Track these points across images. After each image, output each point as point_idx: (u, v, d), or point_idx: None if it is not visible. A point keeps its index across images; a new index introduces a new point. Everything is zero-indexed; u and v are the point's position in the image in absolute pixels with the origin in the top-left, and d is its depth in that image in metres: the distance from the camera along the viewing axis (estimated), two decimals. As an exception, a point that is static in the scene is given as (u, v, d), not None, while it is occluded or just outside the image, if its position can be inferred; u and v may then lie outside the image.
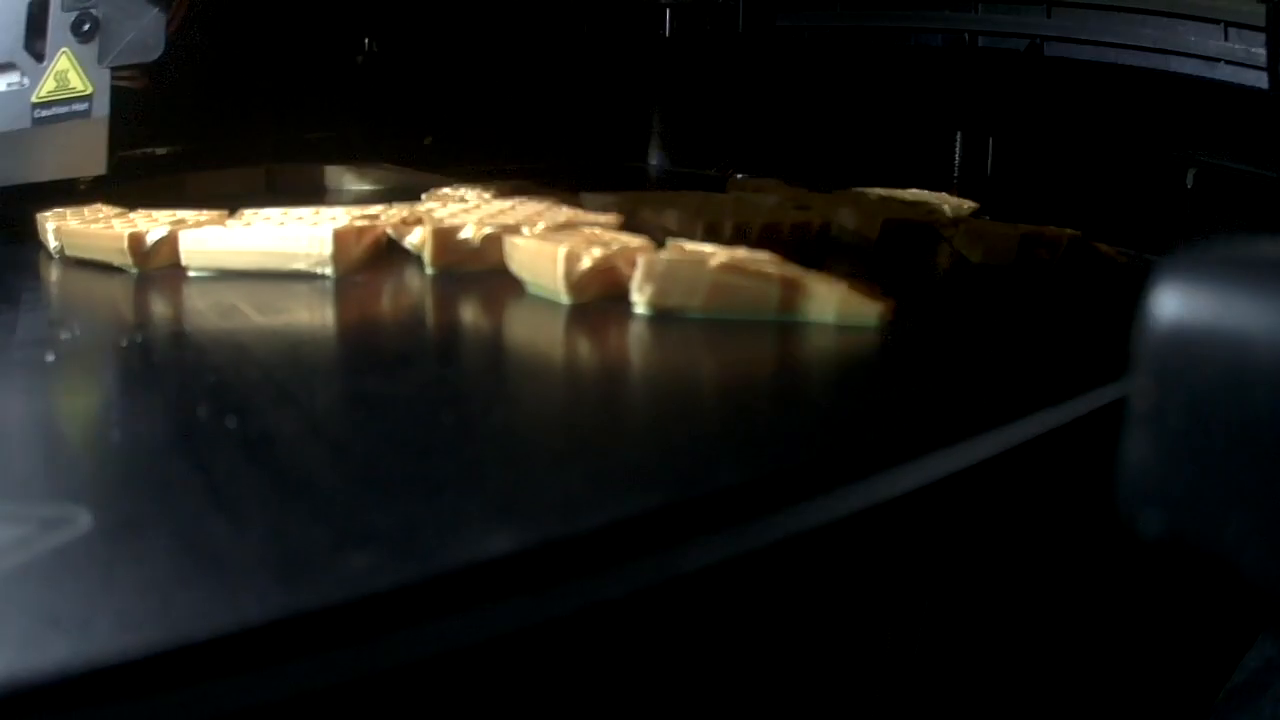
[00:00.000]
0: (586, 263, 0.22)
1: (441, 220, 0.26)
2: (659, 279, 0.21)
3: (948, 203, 0.36)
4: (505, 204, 0.28)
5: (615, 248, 0.22)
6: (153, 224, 0.27)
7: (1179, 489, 0.15)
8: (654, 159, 0.56)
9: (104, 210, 0.34)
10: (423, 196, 0.31)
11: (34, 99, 0.33)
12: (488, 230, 0.25)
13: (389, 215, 0.27)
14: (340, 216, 0.26)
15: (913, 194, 0.37)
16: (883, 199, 0.35)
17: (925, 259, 0.32)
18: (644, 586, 0.12)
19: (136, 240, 0.27)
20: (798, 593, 0.14)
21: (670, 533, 0.12)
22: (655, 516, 0.12)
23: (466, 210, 0.27)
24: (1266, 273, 0.14)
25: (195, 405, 0.16)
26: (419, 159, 0.43)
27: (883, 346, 0.21)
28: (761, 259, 0.22)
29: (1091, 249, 0.33)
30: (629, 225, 0.26)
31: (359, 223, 0.26)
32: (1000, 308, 0.26)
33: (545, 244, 0.22)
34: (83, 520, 0.12)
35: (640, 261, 0.21)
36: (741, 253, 0.22)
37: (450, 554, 0.11)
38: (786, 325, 0.21)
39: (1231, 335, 0.14)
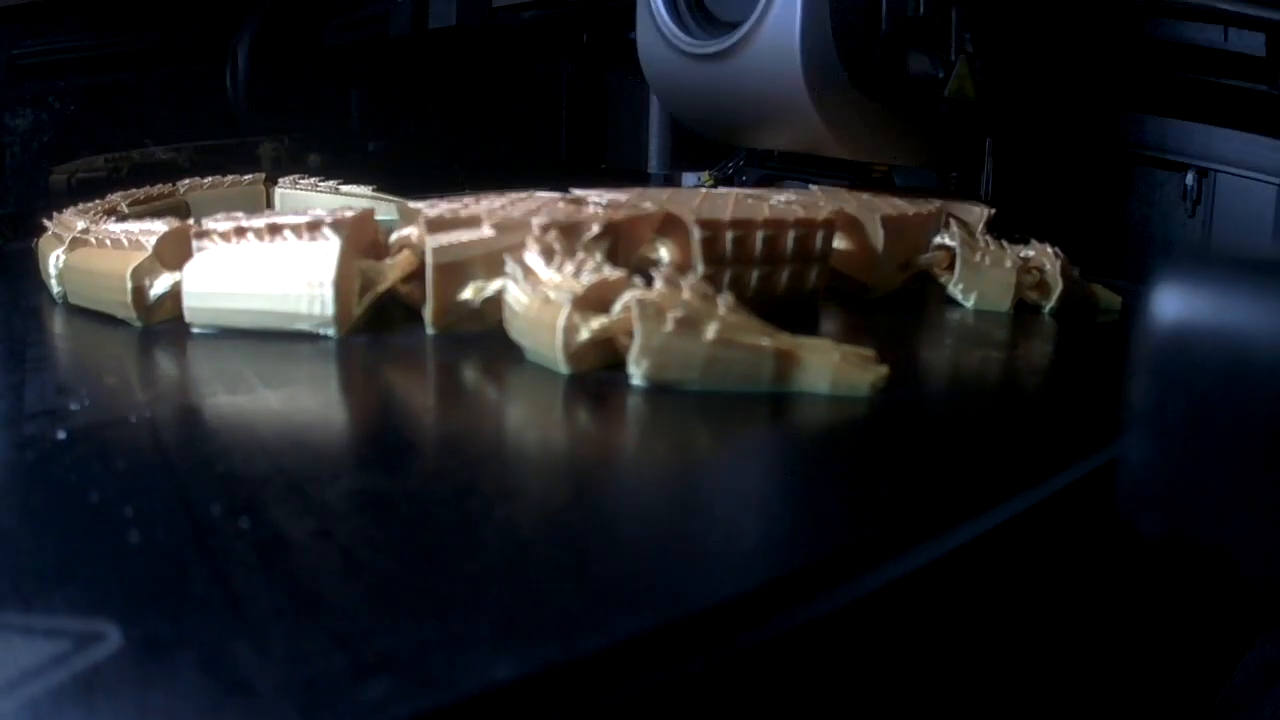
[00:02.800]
0: (585, 334, 0.23)
1: (442, 218, 0.26)
2: (655, 353, 0.22)
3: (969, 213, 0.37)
4: (499, 201, 0.29)
5: (615, 317, 0.23)
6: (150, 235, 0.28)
7: (1179, 489, 0.15)
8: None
9: (113, 201, 0.36)
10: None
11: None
12: (488, 293, 0.26)
13: (399, 238, 0.27)
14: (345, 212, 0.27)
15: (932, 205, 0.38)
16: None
17: (920, 304, 0.33)
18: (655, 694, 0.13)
19: (140, 295, 0.28)
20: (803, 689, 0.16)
21: (667, 651, 0.13)
22: (652, 637, 0.13)
23: (465, 207, 0.27)
24: (1266, 274, 0.15)
25: (209, 502, 0.17)
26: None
27: (871, 425, 0.22)
28: (755, 325, 0.23)
29: (1086, 291, 0.34)
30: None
31: (362, 265, 0.27)
32: (989, 372, 0.27)
33: (544, 313, 0.23)
34: (112, 637, 0.13)
35: (637, 334, 0.22)
36: (736, 317, 0.23)
37: (459, 682, 0.12)
38: (780, 397, 0.23)
39: (1231, 335, 0.14)
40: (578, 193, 0.30)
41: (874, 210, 0.32)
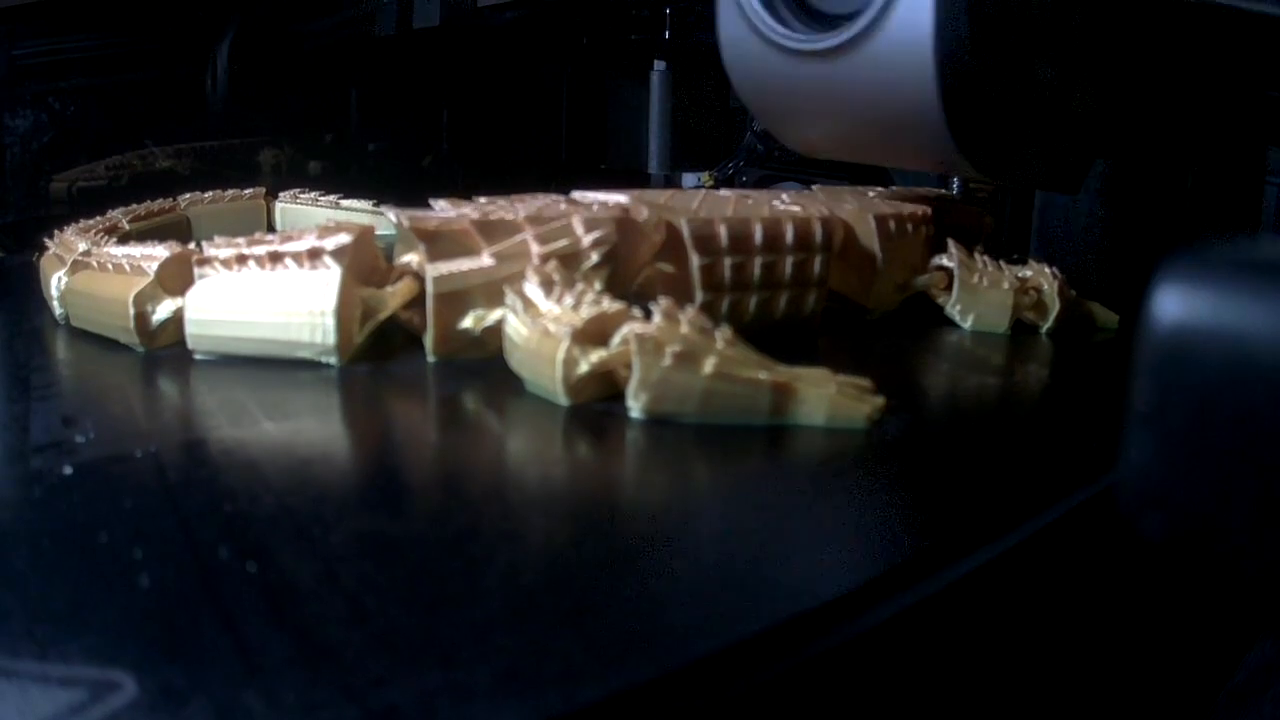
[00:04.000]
0: (584, 367, 0.23)
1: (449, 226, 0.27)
2: (654, 387, 0.23)
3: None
4: (500, 202, 0.29)
5: (614, 349, 0.23)
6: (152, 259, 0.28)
7: (1179, 489, 0.15)
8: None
9: (114, 218, 0.37)
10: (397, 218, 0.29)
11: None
12: (489, 323, 0.26)
13: (399, 264, 0.28)
14: (344, 236, 0.27)
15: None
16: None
17: (917, 325, 0.34)
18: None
19: (143, 320, 0.28)
20: None
21: (668, 700, 0.14)
22: (652, 687, 0.14)
23: (461, 214, 0.28)
24: (1266, 273, 0.15)
25: (217, 544, 0.18)
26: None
27: (869, 457, 0.22)
28: (752, 359, 0.23)
29: (1084, 310, 0.35)
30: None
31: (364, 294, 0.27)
32: (985, 399, 0.28)
33: (543, 346, 0.24)
34: (128, 687, 0.14)
35: (635, 368, 0.23)
36: (734, 351, 0.23)
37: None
38: (779, 428, 0.23)
39: (1231, 335, 0.14)
40: (578, 195, 0.31)
41: (870, 210, 0.33)
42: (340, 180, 0.63)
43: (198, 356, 0.28)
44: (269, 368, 0.27)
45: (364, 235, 0.28)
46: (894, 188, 0.41)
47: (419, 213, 0.28)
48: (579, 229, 0.27)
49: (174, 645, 0.15)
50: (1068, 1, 0.34)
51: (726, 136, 0.71)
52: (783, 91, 0.36)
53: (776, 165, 0.66)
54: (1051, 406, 0.28)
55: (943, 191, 0.44)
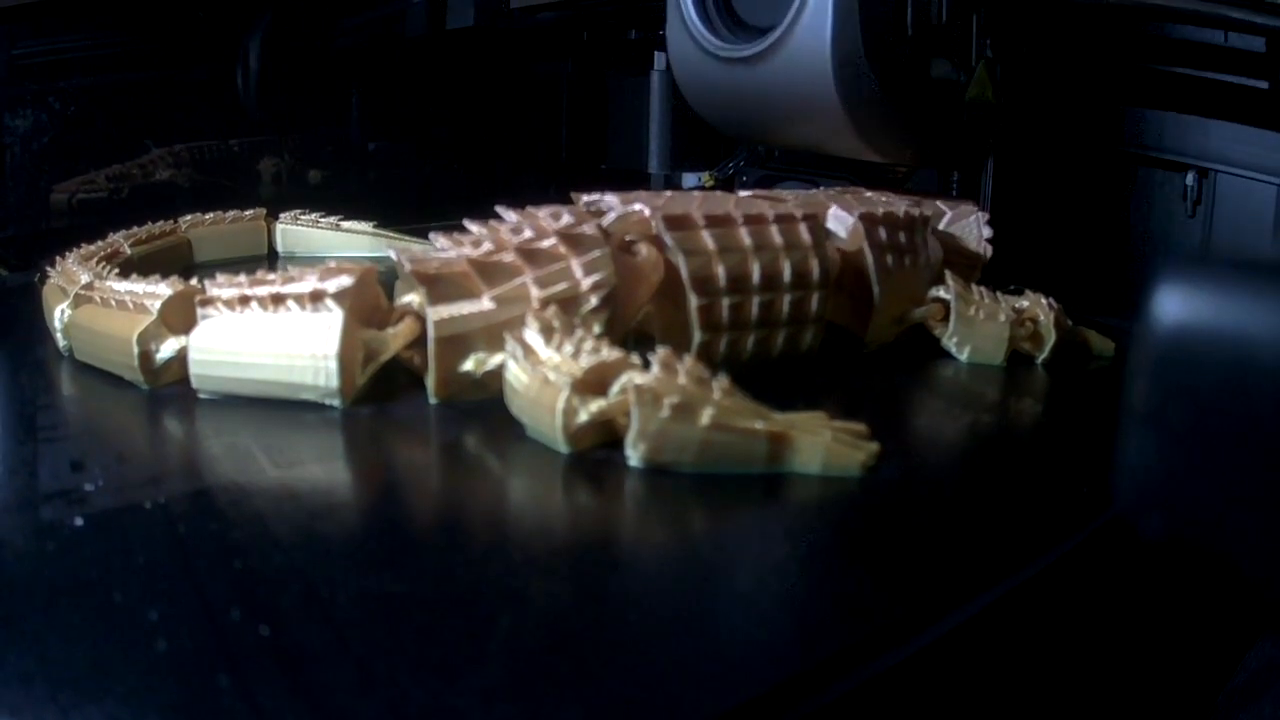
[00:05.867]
0: (583, 417, 0.24)
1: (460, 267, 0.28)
2: (652, 438, 0.24)
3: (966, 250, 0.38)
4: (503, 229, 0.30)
5: (613, 399, 0.24)
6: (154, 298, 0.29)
7: (1180, 489, 0.16)
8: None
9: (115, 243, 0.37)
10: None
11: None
12: (490, 367, 0.27)
13: (400, 305, 0.29)
14: (345, 279, 0.28)
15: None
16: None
17: (914, 358, 0.34)
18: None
19: (147, 359, 0.29)
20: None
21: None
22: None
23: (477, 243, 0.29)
24: (1266, 274, 0.16)
25: (230, 605, 0.19)
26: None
27: (865, 506, 0.23)
28: (749, 409, 0.24)
29: (1080, 338, 0.36)
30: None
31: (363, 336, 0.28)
32: (980, 440, 0.29)
33: (543, 395, 0.25)
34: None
35: (634, 419, 0.24)
36: (730, 401, 0.24)
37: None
38: (775, 475, 0.24)
39: (1231, 336, 0.15)
40: (588, 200, 0.32)
41: (864, 204, 0.34)
42: (339, 184, 0.64)
43: (202, 395, 0.29)
44: (273, 408, 0.28)
45: (365, 276, 0.28)
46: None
47: (420, 253, 0.29)
48: (578, 272, 0.28)
49: (193, 712, 0.16)
50: (965, 7, 0.41)
51: (726, 136, 0.72)
52: (718, 92, 0.46)
53: (776, 165, 0.67)
54: (1042, 450, 0.29)
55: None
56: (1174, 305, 0.15)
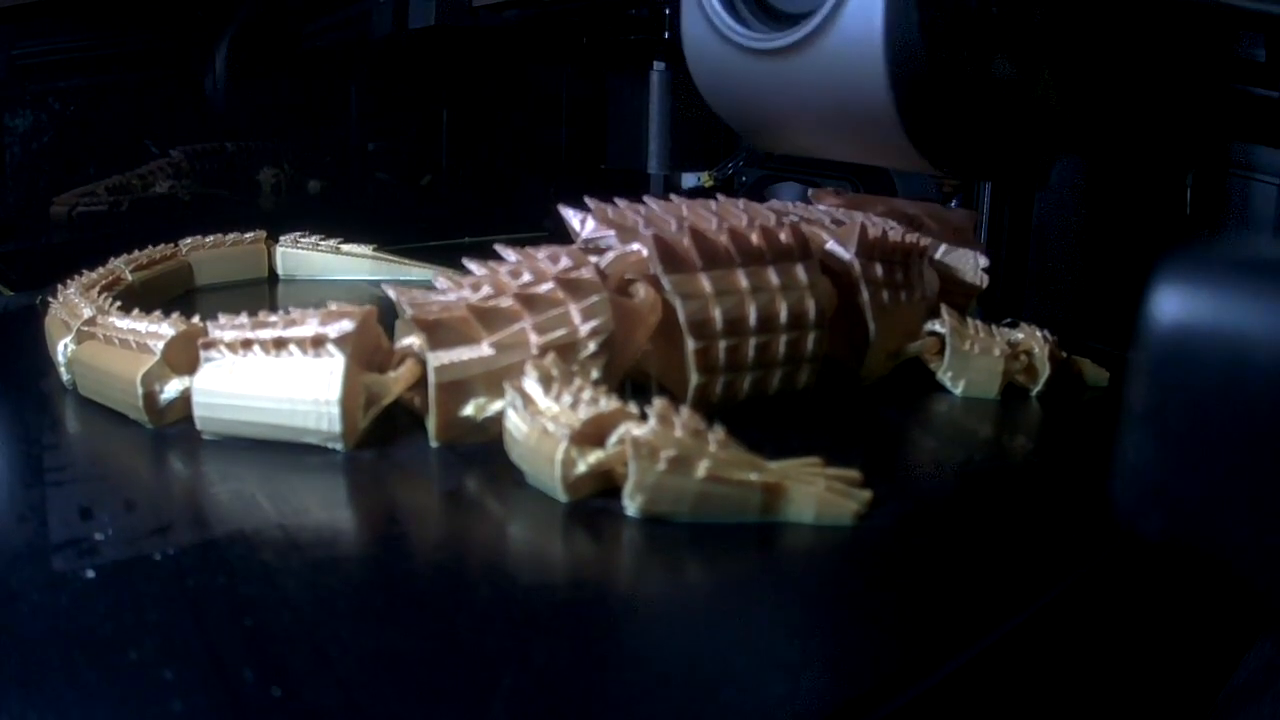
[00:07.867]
0: (582, 467, 0.25)
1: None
2: (649, 490, 0.25)
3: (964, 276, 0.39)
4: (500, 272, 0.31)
5: (610, 450, 0.25)
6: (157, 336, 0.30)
7: (1179, 489, 0.16)
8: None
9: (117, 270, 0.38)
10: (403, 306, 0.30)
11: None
12: (489, 413, 0.28)
13: (401, 348, 0.30)
14: (347, 323, 0.29)
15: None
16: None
17: (908, 392, 0.35)
18: None
19: (151, 400, 0.30)
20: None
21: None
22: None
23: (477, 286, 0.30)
24: (1266, 273, 0.16)
25: (241, 665, 0.20)
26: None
27: (859, 553, 0.25)
28: (744, 460, 0.25)
29: (1074, 369, 0.37)
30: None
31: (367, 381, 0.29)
32: (970, 485, 0.30)
33: (542, 445, 0.26)
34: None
35: (631, 472, 0.25)
36: (726, 453, 0.25)
37: None
38: (768, 525, 0.25)
39: (1231, 335, 0.15)
40: (584, 235, 0.32)
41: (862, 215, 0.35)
42: (339, 194, 0.65)
43: (206, 437, 0.30)
44: (277, 450, 0.29)
45: (366, 319, 0.29)
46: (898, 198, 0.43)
47: (420, 296, 0.30)
48: (576, 318, 0.29)
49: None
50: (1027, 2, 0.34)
51: (726, 136, 0.73)
52: (743, 89, 0.38)
53: (776, 165, 0.68)
54: (1034, 489, 0.30)
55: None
56: (1174, 304, 0.16)
